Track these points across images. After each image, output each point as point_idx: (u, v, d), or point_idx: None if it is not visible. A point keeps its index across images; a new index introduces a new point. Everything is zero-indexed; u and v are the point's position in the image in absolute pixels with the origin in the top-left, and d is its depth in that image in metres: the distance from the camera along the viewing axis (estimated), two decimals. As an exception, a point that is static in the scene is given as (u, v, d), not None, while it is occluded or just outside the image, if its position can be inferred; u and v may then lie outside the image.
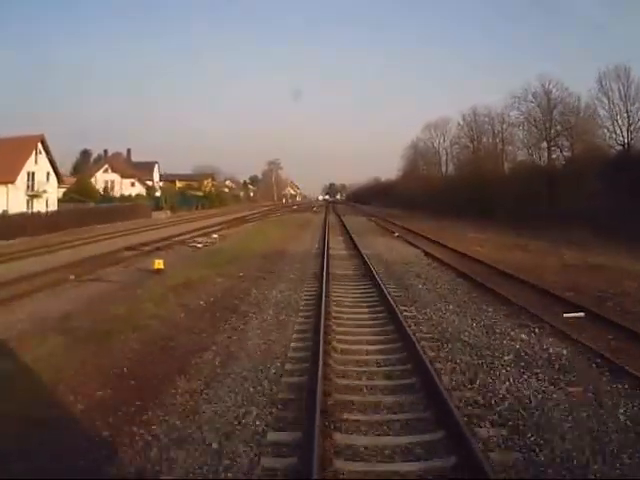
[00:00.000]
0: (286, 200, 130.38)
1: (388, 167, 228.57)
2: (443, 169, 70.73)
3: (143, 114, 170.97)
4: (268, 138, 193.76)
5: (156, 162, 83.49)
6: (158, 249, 18.41)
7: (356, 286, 11.32)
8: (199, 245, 19.21)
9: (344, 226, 32.36)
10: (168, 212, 47.48)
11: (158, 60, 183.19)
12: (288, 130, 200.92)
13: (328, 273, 12.12)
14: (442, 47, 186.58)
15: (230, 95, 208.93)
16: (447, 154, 70.75)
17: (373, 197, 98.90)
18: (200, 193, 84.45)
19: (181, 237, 22.79)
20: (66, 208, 42.45)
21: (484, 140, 62.72)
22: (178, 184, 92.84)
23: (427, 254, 17.27)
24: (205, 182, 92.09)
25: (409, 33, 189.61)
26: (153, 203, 50.60)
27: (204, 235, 23.45)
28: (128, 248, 18.54)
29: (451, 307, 9.46)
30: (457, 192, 54.52)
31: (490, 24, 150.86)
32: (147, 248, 18.76)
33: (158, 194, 52.75)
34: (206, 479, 3.91)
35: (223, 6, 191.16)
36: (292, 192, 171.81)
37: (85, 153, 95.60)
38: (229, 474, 3.97)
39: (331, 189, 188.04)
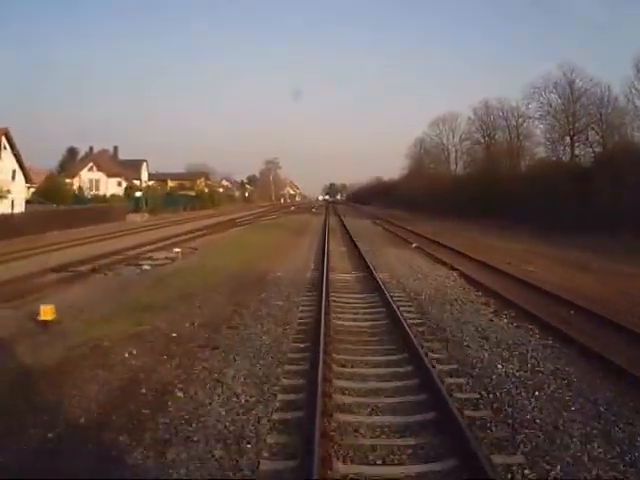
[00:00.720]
0: (284, 200, 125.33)
1: (389, 167, 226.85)
2: (452, 167, 65.78)
3: (143, 114, 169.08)
4: (268, 138, 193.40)
5: (144, 160, 78.40)
6: (94, 270, 13.44)
7: (385, 377, 5.93)
8: (147, 267, 14.13)
9: (347, 232, 27.45)
10: (146, 215, 42.34)
11: (158, 60, 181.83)
12: (288, 130, 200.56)
13: (328, 334, 7.06)
14: (442, 47, 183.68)
15: (230, 95, 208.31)
16: (456, 151, 65.85)
17: (374, 197, 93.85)
18: (192, 193, 79.99)
19: (138, 250, 17.77)
20: (31, 210, 37.51)
21: (498, 135, 57.87)
22: (170, 183, 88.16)
23: (467, 279, 12.28)
24: (198, 181, 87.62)
25: (409, 33, 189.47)
26: (133, 204, 45.47)
27: (169, 247, 18.42)
28: (57, 268, 13.56)
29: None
30: (467, 192, 49.67)
31: (490, 24, 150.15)
32: (82, 268, 13.76)
33: (139, 194, 47.68)
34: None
35: (223, 6, 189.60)
36: (291, 192, 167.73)
37: (72, 151, 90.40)
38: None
39: (331, 189, 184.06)
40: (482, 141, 60.69)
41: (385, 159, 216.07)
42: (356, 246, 19.34)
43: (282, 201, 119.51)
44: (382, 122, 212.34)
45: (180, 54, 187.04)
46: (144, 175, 77.51)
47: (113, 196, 54.81)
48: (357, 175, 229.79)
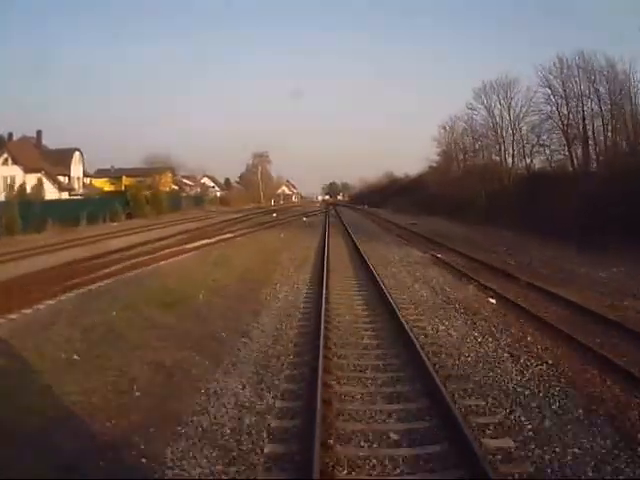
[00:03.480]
0: (276, 202, 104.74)
1: (395, 164, 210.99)
2: (510, 150, 45.11)
3: (142, 113, 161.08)
4: (268, 137, 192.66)
5: (76, 149, 57.93)
6: None
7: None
8: None
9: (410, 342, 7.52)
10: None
11: (158, 60, 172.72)
12: (288, 129, 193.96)
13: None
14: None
15: (229, 95, 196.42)
16: (514, 130, 45.30)
17: (387, 198, 73.04)
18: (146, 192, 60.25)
19: None
20: None
21: (587, 107, 37.40)
22: (126, 181, 67.73)
23: None
24: (162, 178, 67.36)
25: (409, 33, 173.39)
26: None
27: None
28: None
29: None
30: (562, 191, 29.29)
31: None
32: None
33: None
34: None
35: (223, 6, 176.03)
36: (287, 192, 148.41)
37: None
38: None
39: (331, 189, 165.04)
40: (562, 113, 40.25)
41: (386, 159, 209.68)
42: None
43: (273, 203, 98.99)
44: (382, 121, 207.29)
45: (180, 54, 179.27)
46: (76, 170, 57.27)
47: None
48: (357, 174, 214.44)
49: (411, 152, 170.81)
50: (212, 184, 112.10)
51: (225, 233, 25.23)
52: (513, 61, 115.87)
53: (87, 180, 68.47)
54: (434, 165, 62.68)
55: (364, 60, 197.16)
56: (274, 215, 41.82)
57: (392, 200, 67.82)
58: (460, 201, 42.41)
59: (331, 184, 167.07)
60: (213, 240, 21.51)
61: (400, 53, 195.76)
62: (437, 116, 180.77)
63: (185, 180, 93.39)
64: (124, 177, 70.08)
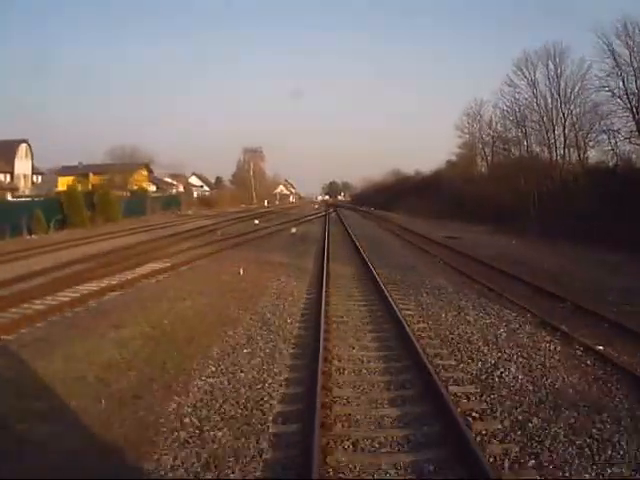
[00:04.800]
0: (271, 202, 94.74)
1: (396, 164, 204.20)
2: (562, 139, 35.02)
3: (143, 113, 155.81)
4: (268, 137, 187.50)
5: (23, 141, 47.90)
6: None
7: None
8: None
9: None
10: None
11: (158, 60, 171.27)
12: (288, 129, 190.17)
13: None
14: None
15: (229, 95, 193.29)
16: (565, 114, 35.31)
17: (396, 199, 62.94)
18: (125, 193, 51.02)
19: None
20: None
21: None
22: (94, 179, 57.79)
23: None
24: (131, 175, 57.53)
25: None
26: None
27: None
28: None
29: None
30: None
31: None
32: None
33: None
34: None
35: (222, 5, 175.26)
36: (285, 192, 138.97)
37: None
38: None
39: (331, 188, 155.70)
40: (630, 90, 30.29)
41: (389, 157, 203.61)
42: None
43: (266, 203, 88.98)
44: (382, 120, 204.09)
45: (180, 54, 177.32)
46: (23, 166, 47.35)
47: None
48: (358, 174, 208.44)
49: (412, 152, 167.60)
50: (200, 183, 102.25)
51: (152, 260, 15.24)
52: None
53: (46, 178, 58.85)
54: (453, 160, 52.87)
55: (364, 60, 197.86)
56: (256, 222, 31.91)
57: (403, 201, 57.79)
58: (502, 205, 32.48)
59: (331, 183, 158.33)
60: (100, 286, 11.43)
61: (400, 53, 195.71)
62: (437, 116, 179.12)
63: (167, 179, 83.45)
64: (91, 175, 60.55)
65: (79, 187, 36.13)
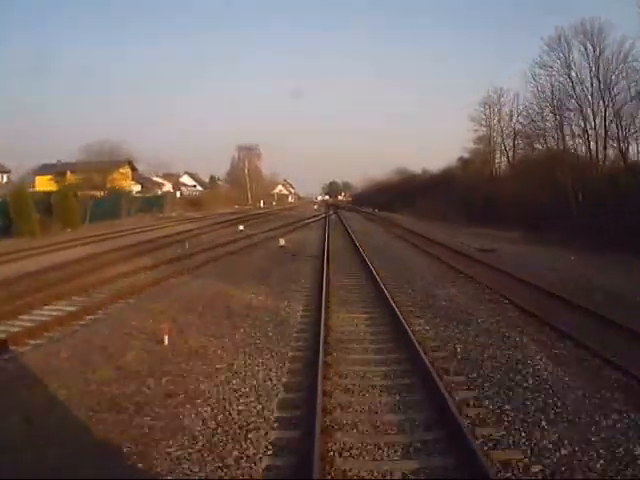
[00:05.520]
0: (267, 203, 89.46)
1: (398, 164, 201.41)
2: (601, 131, 29.65)
3: (143, 113, 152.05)
4: (268, 137, 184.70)
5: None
6: None
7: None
8: None
9: None
10: None
11: (158, 60, 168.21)
12: (288, 129, 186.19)
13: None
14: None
15: (229, 95, 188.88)
16: (605, 101, 30.00)
17: (402, 200, 57.48)
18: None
19: None
20: None
21: None
22: (71, 178, 52.49)
23: None
24: (111, 174, 52.20)
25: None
26: None
27: None
28: None
29: None
30: None
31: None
32: None
33: None
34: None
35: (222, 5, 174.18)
36: (284, 192, 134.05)
37: None
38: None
39: (331, 188, 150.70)
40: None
41: (389, 157, 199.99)
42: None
43: (262, 204, 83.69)
44: (382, 119, 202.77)
45: (180, 54, 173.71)
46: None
47: None
48: (358, 174, 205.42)
49: (412, 151, 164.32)
50: (193, 182, 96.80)
51: (54, 300, 9.93)
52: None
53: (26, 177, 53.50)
54: (466, 157, 47.61)
55: (364, 60, 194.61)
56: (240, 229, 26.53)
57: (410, 202, 52.49)
58: (534, 207, 27.21)
59: (331, 183, 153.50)
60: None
61: (400, 53, 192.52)
62: (437, 116, 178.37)
63: (156, 178, 77.99)
64: (68, 173, 55.26)
65: (28, 189, 30.67)
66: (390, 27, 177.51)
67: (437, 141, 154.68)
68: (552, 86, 31.76)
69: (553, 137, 32.54)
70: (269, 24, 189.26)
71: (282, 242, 18.67)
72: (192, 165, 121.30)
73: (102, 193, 48.65)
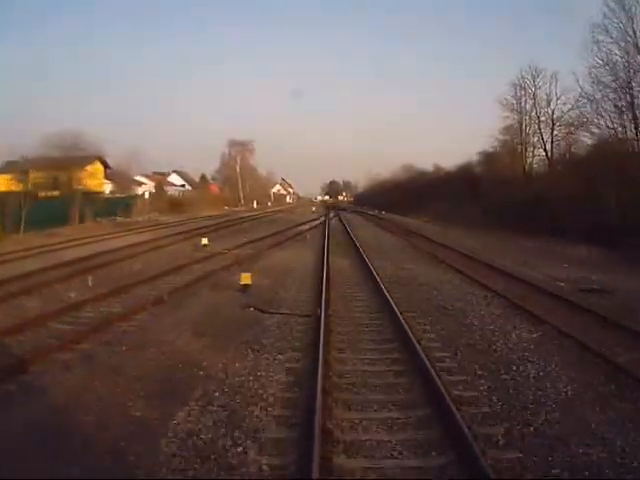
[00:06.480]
0: (261, 204, 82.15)
1: (399, 163, 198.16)
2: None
3: (142, 113, 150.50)
4: (267, 137, 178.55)
5: None
6: None
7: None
8: None
9: None
10: None
11: (157, 60, 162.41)
12: (288, 129, 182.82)
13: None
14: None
15: (229, 95, 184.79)
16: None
17: (413, 201, 50.06)
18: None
19: None
20: None
21: None
22: (34, 176, 45.22)
23: None
24: (76, 172, 44.82)
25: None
26: None
27: None
28: None
29: None
30: None
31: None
32: None
33: None
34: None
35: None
36: (283, 191, 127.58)
37: None
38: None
39: (331, 188, 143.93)
40: None
41: (390, 157, 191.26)
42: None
43: (256, 205, 76.36)
44: (382, 119, 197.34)
45: (180, 54, 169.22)
46: None
47: None
48: (358, 174, 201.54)
49: (413, 151, 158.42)
50: (182, 182, 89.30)
51: None
52: None
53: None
54: (491, 150, 40.28)
55: (364, 60, 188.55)
56: (204, 243, 18.90)
57: (423, 204, 45.13)
58: (603, 213, 19.90)
59: (331, 183, 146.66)
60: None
61: (400, 53, 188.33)
62: (438, 115, 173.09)
63: (139, 177, 70.52)
64: (31, 171, 47.90)
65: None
66: (390, 27, 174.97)
67: (438, 140, 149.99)
68: (620, 58, 24.62)
69: (615, 123, 25.31)
70: (269, 24, 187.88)
71: (247, 279, 11.03)
72: (188, 165, 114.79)
73: (53, 193, 42.07)
